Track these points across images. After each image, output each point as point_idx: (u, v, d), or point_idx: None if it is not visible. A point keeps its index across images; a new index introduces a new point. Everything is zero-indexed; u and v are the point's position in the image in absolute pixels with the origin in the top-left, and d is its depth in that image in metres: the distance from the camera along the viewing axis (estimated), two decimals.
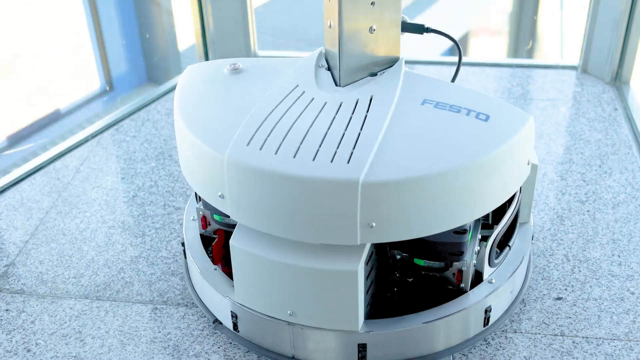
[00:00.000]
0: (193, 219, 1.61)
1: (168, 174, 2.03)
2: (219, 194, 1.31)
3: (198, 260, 1.53)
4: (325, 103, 1.36)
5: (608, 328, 1.49)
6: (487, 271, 1.45)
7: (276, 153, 1.25)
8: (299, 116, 1.33)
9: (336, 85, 1.41)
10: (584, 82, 2.43)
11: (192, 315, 1.55)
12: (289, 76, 1.44)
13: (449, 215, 1.27)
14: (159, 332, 1.51)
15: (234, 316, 1.44)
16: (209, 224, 1.54)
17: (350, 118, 1.32)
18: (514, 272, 1.48)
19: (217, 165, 1.28)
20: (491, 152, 1.25)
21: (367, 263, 1.32)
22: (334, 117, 1.33)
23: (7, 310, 1.58)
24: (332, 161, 1.23)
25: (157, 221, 1.84)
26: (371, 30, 1.37)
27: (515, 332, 1.49)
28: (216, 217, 1.51)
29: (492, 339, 1.47)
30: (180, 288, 1.62)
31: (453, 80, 1.56)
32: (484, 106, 1.35)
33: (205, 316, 1.54)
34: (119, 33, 2.75)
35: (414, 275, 1.43)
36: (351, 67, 1.39)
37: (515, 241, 1.54)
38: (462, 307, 1.40)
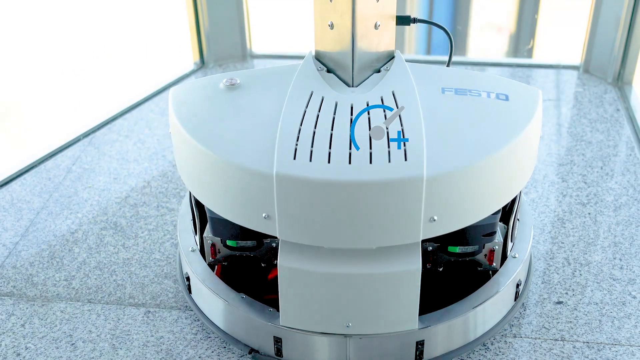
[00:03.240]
0: (192, 250, 1.51)
1: (161, 174, 2.00)
2: (264, 215, 1.25)
3: (222, 291, 1.45)
4: (352, 105, 1.32)
5: (609, 333, 1.47)
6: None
7: (329, 162, 1.21)
8: (333, 122, 1.29)
9: (348, 86, 1.38)
10: (586, 82, 2.41)
11: (186, 319, 1.52)
12: (297, 84, 1.37)
13: (499, 196, 1.32)
14: (152, 335, 1.49)
15: (278, 341, 1.39)
16: (219, 252, 1.46)
17: (386, 116, 1.30)
18: (529, 244, 1.53)
19: (263, 185, 1.21)
20: (525, 128, 1.30)
21: None
22: (369, 118, 1.30)
23: None
24: (389, 161, 1.21)
25: (150, 222, 1.81)
26: (376, 26, 1.36)
27: (515, 336, 1.46)
28: (230, 243, 1.42)
29: (492, 344, 1.45)
30: (173, 291, 1.59)
31: (447, 65, 1.57)
32: (497, 86, 1.40)
33: (198, 319, 1.51)
34: None
35: (444, 264, 1.42)
36: (362, 66, 1.38)
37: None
38: (505, 283, 1.44)
